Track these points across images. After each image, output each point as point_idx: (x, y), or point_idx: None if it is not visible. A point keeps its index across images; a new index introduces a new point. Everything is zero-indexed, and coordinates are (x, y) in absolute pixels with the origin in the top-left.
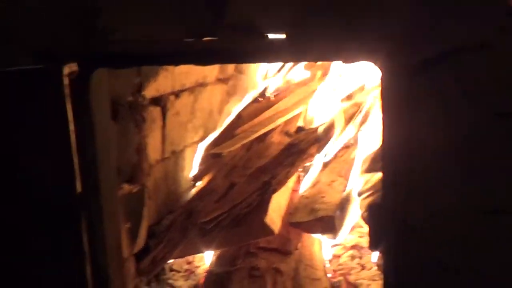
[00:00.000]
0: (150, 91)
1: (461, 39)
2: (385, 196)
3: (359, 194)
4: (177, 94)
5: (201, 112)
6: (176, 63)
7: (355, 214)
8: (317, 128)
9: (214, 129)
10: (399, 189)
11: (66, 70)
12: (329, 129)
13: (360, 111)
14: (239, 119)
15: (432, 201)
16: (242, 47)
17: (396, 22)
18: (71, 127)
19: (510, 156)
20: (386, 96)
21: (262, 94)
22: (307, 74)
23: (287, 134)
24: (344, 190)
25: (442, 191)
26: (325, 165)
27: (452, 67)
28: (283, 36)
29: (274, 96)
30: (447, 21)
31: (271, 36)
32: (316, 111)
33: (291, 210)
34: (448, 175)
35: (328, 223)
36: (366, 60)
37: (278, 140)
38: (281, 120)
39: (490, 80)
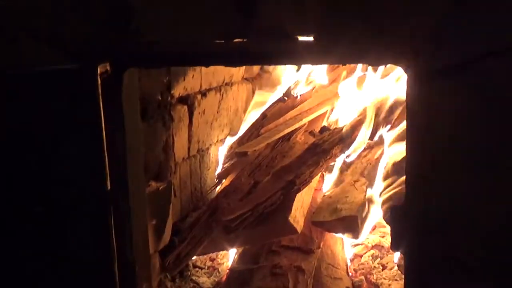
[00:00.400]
0: (178, 90)
1: (486, 46)
2: (407, 198)
3: (381, 195)
4: (204, 93)
5: (227, 110)
6: (207, 64)
7: (377, 214)
8: (341, 128)
9: (239, 127)
10: (421, 192)
11: (99, 70)
12: (354, 130)
13: (386, 112)
14: (264, 118)
15: (453, 204)
16: (272, 49)
17: (423, 26)
18: (103, 125)
19: None
20: (410, 99)
21: (288, 94)
22: (333, 74)
23: (311, 133)
24: (367, 190)
25: (463, 194)
26: (349, 165)
27: (477, 73)
28: (311, 38)
29: (300, 95)
30: (473, 26)
31: (300, 38)
32: (341, 111)
33: (314, 210)
34: (469, 179)
35: (351, 223)
36: (391, 63)
37: (302, 140)
38: (305, 120)
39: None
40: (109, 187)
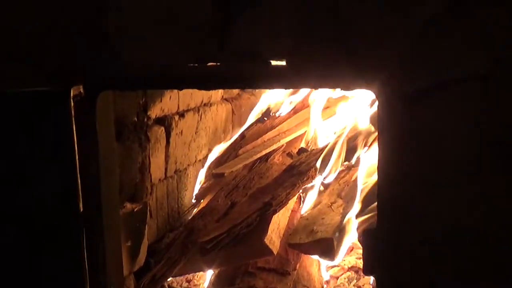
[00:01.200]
0: (155, 111)
1: (457, 70)
2: (379, 221)
3: (357, 217)
4: (182, 114)
5: (206, 131)
6: (181, 87)
7: (353, 236)
8: (318, 150)
9: (218, 148)
10: (394, 215)
11: (73, 92)
12: (330, 152)
13: (362, 135)
14: (243, 139)
15: (426, 227)
16: (245, 73)
17: (393, 52)
18: (76, 147)
19: (502, 185)
20: (382, 124)
21: (267, 114)
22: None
23: (289, 155)
24: (344, 212)
25: (436, 218)
26: (326, 186)
27: (447, 97)
28: (283, 62)
29: (278, 116)
30: (443, 52)
31: (273, 63)
32: (319, 133)
33: (291, 231)
34: (442, 202)
35: (327, 245)
36: (363, 88)
37: (280, 161)
38: (283, 141)
39: (484, 110)
40: (81, 209)
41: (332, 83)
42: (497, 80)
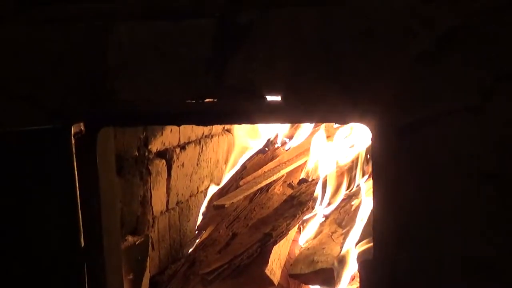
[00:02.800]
0: (156, 145)
1: (449, 102)
2: (375, 252)
3: (357, 247)
4: (183, 147)
5: (207, 162)
6: (179, 123)
7: (354, 266)
8: (318, 180)
9: (220, 178)
10: (389, 246)
11: (73, 129)
12: (330, 181)
13: (360, 164)
14: (244, 170)
15: (420, 257)
16: (241, 109)
17: (385, 86)
18: (77, 183)
19: (494, 216)
20: (375, 156)
21: (268, 145)
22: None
23: (289, 185)
24: (344, 241)
25: (430, 248)
26: (327, 216)
27: (439, 130)
28: (278, 98)
29: (280, 146)
30: (435, 85)
31: (269, 98)
32: (320, 163)
33: (292, 262)
34: (435, 233)
35: (327, 276)
36: (357, 122)
37: (280, 191)
38: (284, 171)
39: (475, 142)
40: (83, 244)
41: (326, 118)
42: (487, 112)
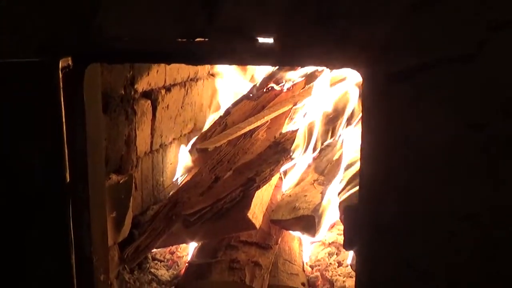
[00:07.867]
0: (142, 85)
1: (441, 51)
2: (360, 198)
3: (339, 194)
4: (168, 88)
5: (191, 105)
6: (168, 61)
7: (334, 213)
8: (303, 128)
9: (204, 122)
10: (373, 192)
11: (61, 64)
12: (313, 129)
13: (347, 113)
14: (228, 115)
15: (404, 205)
16: (232, 50)
17: (379, 32)
18: (63, 119)
19: (480, 166)
20: (366, 102)
21: (253, 90)
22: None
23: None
24: (326, 189)
25: (415, 196)
26: (309, 164)
27: (431, 78)
28: (271, 40)
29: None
30: (428, 33)
31: (260, 40)
32: (304, 110)
33: (274, 207)
34: (421, 181)
35: (308, 222)
36: (348, 67)
37: (264, 137)
38: (268, 117)
39: (466, 92)
40: (68, 179)
41: (318, 61)
42: (480, 61)
